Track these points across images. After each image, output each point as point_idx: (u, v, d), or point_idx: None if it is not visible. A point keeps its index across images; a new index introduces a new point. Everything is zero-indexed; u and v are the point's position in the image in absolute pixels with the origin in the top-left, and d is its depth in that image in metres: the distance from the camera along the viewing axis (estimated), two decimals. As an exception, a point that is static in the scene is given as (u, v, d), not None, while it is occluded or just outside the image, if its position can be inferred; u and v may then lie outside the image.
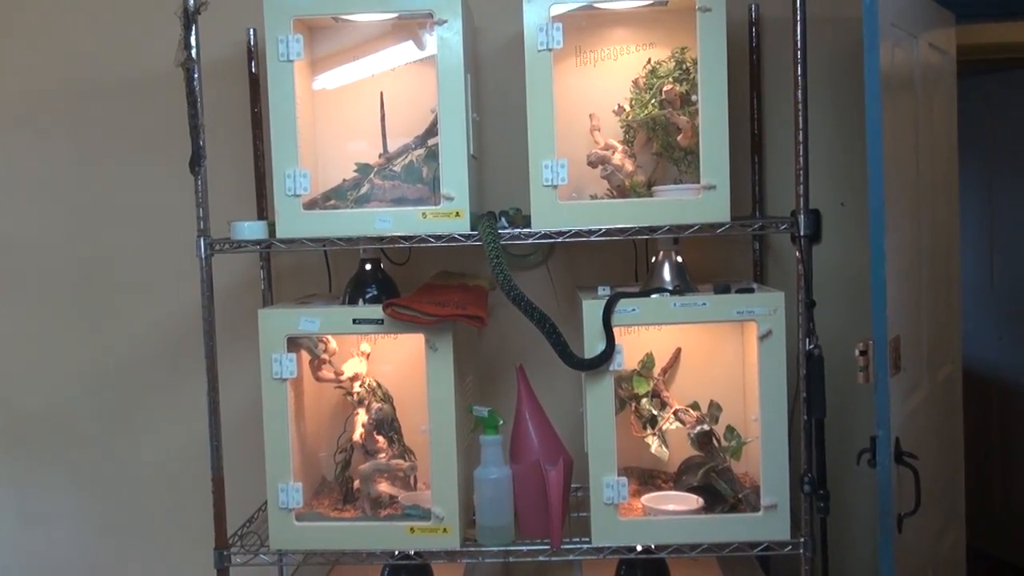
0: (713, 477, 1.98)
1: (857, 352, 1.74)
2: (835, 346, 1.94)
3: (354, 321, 1.90)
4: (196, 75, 1.87)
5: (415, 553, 1.92)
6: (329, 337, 2.04)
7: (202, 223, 1.91)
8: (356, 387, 2.07)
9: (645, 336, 2.09)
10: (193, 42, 1.86)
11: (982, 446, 3.51)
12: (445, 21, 1.87)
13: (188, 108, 1.87)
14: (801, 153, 1.84)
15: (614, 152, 2.06)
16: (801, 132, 1.83)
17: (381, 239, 1.90)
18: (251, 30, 2.25)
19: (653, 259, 2.06)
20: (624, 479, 1.88)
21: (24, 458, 2.45)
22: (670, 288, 1.98)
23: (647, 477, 2.13)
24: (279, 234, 1.91)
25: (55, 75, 2.38)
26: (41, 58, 2.38)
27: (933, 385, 2.04)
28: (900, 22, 1.82)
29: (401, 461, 2.04)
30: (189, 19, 1.85)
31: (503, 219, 1.99)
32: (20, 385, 2.43)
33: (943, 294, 2.13)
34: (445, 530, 1.89)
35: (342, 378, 2.06)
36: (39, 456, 2.44)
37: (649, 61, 2.08)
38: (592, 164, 2.06)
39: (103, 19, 2.36)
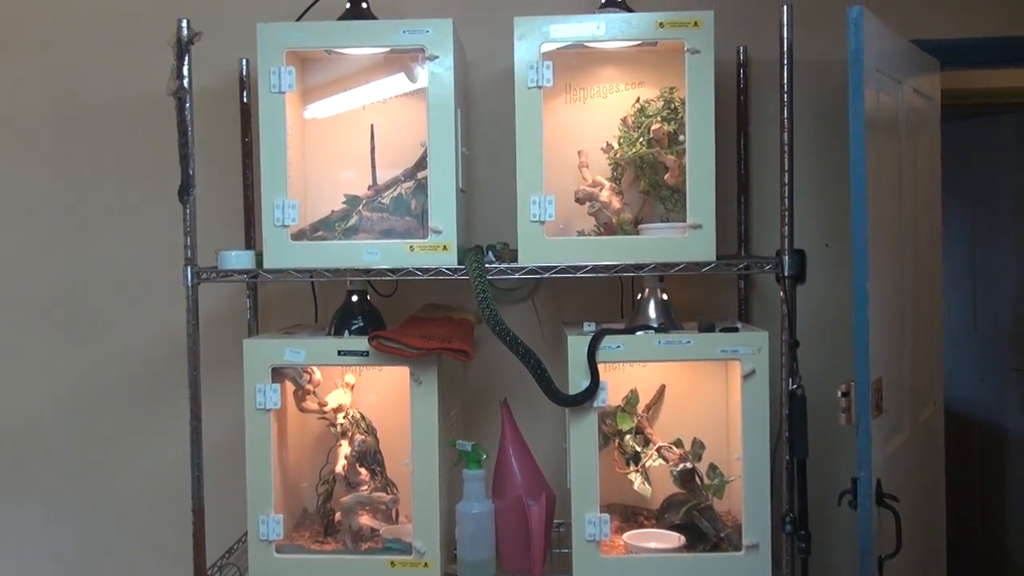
0: (695, 515, 1.98)
1: (839, 393, 1.75)
2: (818, 386, 1.95)
3: (339, 353, 1.90)
4: (188, 104, 1.88)
5: (395, 587, 1.91)
6: (314, 368, 2.04)
7: (189, 252, 1.91)
8: (340, 418, 2.06)
9: (629, 372, 2.09)
10: (185, 72, 1.87)
11: (963, 487, 3.52)
12: (437, 57, 1.88)
13: (179, 137, 1.88)
14: (786, 195, 1.85)
15: (602, 189, 2.07)
16: (787, 174, 1.85)
17: (368, 271, 1.91)
18: (244, 60, 2.26)
19: (639, 296, 2.07)
20: (606, 516, 1.87)
21: None
22: (655, 326, 1.99)
23: (629, 514, 2.12)
24: (266, 264, 1.91)
25: (46, 100, 2.38)
26: (33, 83, 2.38)
27: (915, 426, 2.05)
28: (885, 68, 1.85)
29: (383, 494, 2.03)
30: (182, 49, 1.86)
31: (490, 253, 2.00)
32: None
33: (926, 336, 2.14)
34: (426, 564, 1.88)
35: (326, 409, 2.06)
36: (13, 480, 2.41)
37: (638, 100, 2.10)
38: (580, 201, 2.07)
39: (95, 45, 2.37)
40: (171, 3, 2.30)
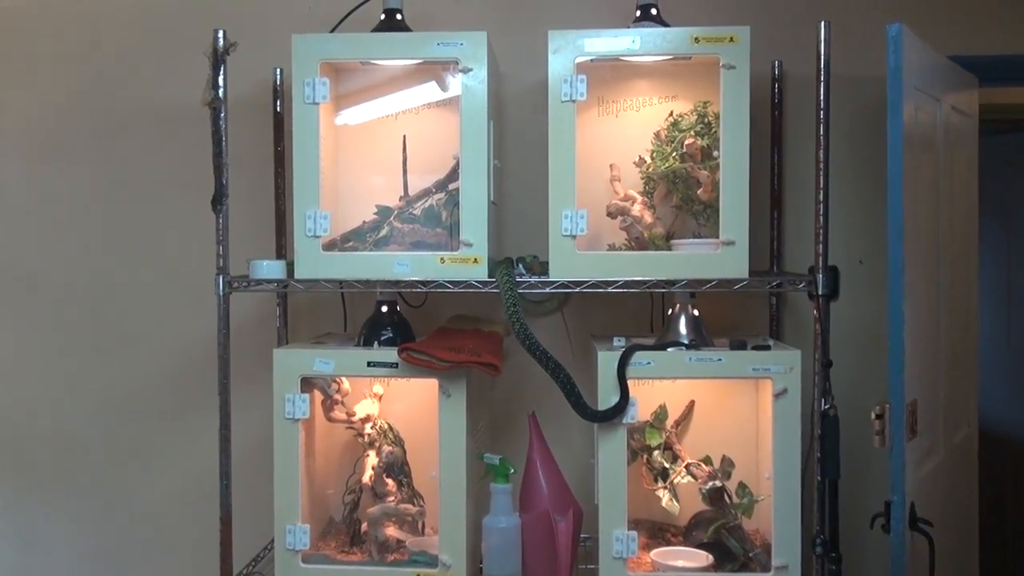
0: (724, 534, 1.96)
1: (873, 416, 1.73)
2: (850, 404, 1.93)
3: (369, 364, 1.90)
4: (222, 114, 1.89)
5: (421, 600, 1.91)
6: (342, 377, 2.04)
7: (221, 260, 1.91)
8: (367, 429, 2.06)
9: (659, 387, 2.07)
10: (221, 82, 1.88)
11: (995, 506, 3.47)
12: (471, 69, 1.88)
13: (213, 147, 1.89)
14: (821, 212, 1.83)
15: (633, 203, 2.06)
16: (822, 192, 1.83)
17: (398, 283, 1.91)
18: (277, 70, 2.27)
19: (669, 311, 2.06)
20: (634, 533, 1.86)
21: (30, 485, 2.44)
22: (686, 342, 1.98)
23: (657, 530, 2.11)
24: (298, 274, 1.91)
25: (82, 107, 2.40)
26: (69, 90, 2.41)
27: (949, 449, 2.02)
28: (924, 85, 1.83)
29: (410, 505, 2.03)
30: (218, 59, 1.87)
31: (520, 266, 1.99)
32: (31, 412, 2.44)
33: (961, 356, 2.11)
34: (451, 578, 1.88)
35: (354, 419, 2.06)
36: (45, 484, 2.44)
37: (671, 114, 2.09)
38: (611, 215, 2.06)
39: (130, 55, 2.39)
40: (206, 13, 2.32)
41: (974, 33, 2.23)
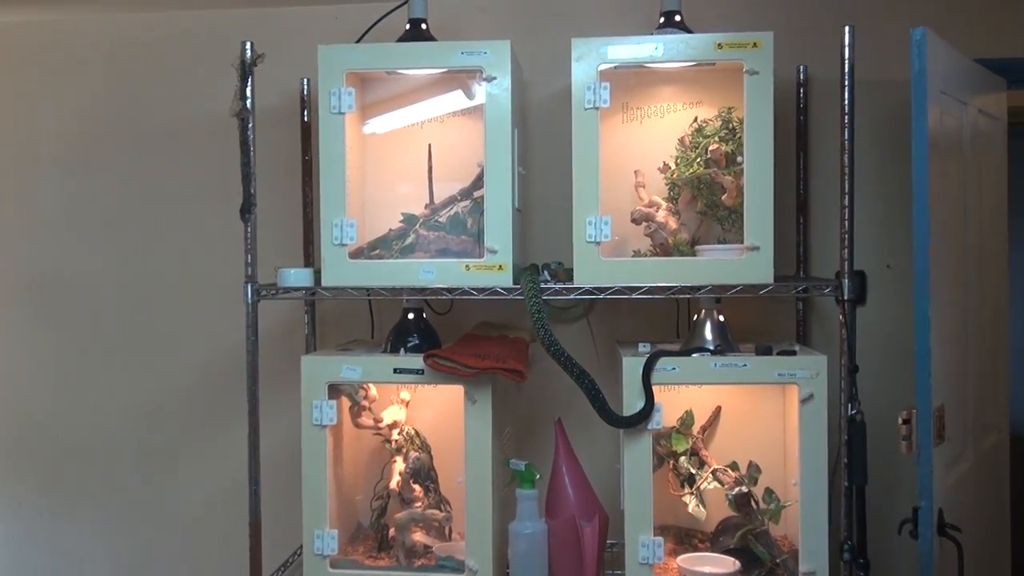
0: (751, 540, 1.95)
1: (900, 421, 1.72)
2: (877, 408, 1.92)
3: (395, 371, 1.92)
4: (250, 124, 1.91)
5: (448, 605, 1.92)
6: (370, 384, 2.06)
7: (250, 269, 1.94)
8: (394, 435, 2.08)
9: (685, 393, 2.07)
10: (248, 93, 1.91)
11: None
12: (494, 78, 1.89)
13: (241, 156, 1.91)
14: (846, 217, 1.83)
15: (658, 209, 2.06)
16: (847, 196, 1.82)
17: (424, 290, 1.92)
18: (305, 80, 2.29)
19: (695, 317, 2.05)
20: (660, 539, 1.86)
21: (61, 493, 2.49)
22: (711, 348, 1.98)
23: (683, 536, 2.11)
24: (325, 282, 1.94)
25: (113, 119, 2.44)
26: (101, 102, 2.45)
27: (978, 454, 2.01)
28: (949, 89, 1.82)
29: (436, 511, 2.04)
30: (246, 71, 1.90)
31: (545, 272, 2.00)
32: (62, 420, 2.48)
33: (990, 361, 2.09)
34: (478, 583, 1.89)
35: (381, 425, 2.08)
36: (76, 492, 2.48)
37: (695, 120, 2.09)
38: (636, 221, 2.06)
39: (160, 66, 2.43)
40: (234, 25, 2.35)
41: (1002, 36, 2.22)
